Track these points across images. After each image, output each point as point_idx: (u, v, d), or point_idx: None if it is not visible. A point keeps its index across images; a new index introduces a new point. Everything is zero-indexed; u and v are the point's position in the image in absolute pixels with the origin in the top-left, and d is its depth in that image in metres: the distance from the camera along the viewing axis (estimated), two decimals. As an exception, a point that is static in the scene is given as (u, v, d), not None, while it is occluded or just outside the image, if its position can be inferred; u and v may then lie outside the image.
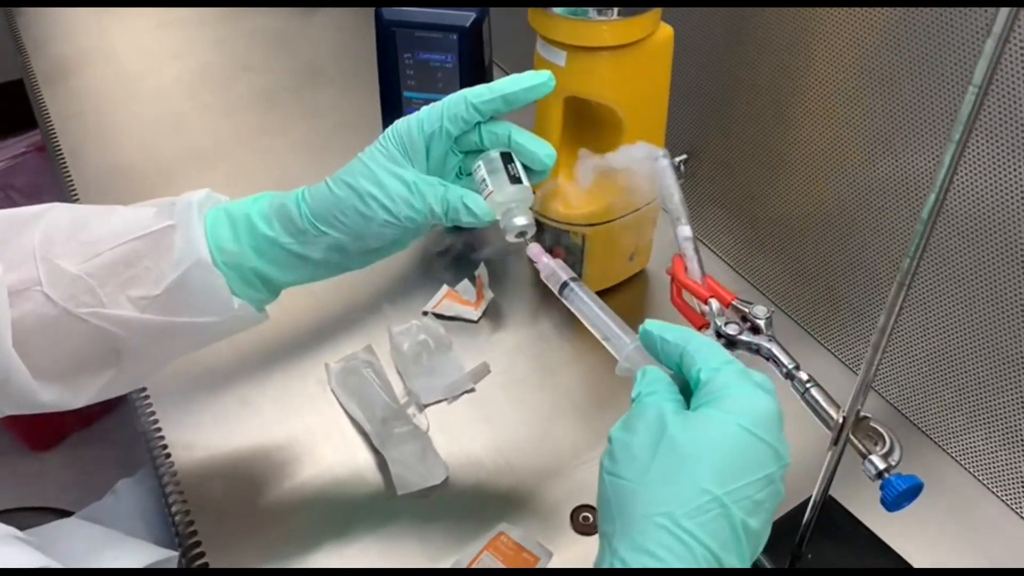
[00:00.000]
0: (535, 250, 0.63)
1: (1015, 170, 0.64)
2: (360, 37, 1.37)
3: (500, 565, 0.67)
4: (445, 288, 0.90)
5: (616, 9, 0.72)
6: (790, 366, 0.61)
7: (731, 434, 0.46)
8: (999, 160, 0.65)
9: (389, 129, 0.62)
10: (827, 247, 0.83)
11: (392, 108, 0.92)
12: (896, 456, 0.56)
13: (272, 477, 0.74)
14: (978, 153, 0.66)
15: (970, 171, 0.67)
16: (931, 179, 0.70)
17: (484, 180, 0.62)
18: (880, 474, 0.55)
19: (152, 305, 0.59)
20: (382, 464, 0.74)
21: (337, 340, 0.85)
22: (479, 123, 0.62)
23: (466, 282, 0.91)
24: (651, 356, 0.53)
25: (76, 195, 1.05)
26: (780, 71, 0.81)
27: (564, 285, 0.60)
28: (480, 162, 0.62)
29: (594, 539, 0.70)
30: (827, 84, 0.76)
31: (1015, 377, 0.69)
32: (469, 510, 0.72)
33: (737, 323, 0.64)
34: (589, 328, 0.59)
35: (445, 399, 0.80)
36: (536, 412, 0.80)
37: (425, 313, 0.88)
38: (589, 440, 0.77)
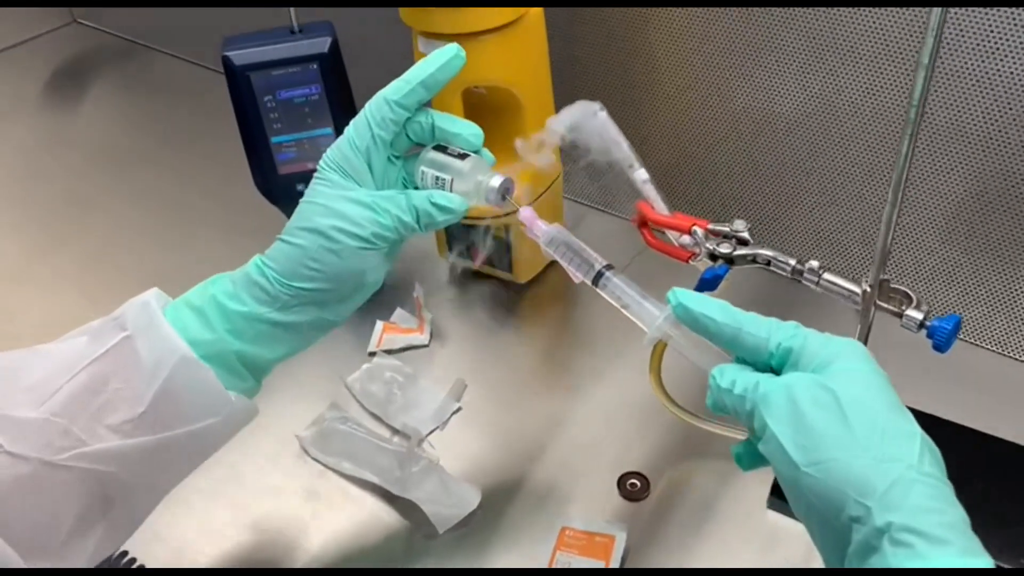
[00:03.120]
0: (527, 214, 0.60)
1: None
2: (135, 109, 1.28)
3: (579, 558, 0.64)
4: (380, 324, 0.84)
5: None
6: (793, 262, 0.63)
7: (880, 380, 0.46)
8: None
9: (322, 161, 0.57)
10: (713, 162, 0.89)
11: (260, 157, 0.85)
12: (925, 306, 0.60)
13: (291, 561, 0.66)
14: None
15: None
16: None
17: (438, 178, 0.58)
18: (922, 324, 0.59)
19: (139, 427, 0.51)
20: (404, 509, 0.69)
21: (294, 409, 0.77)
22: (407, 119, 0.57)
23: (399, 311, 0.86)
24: (682, 326, 0.52)
25: None
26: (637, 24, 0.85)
27: (599, 275, 0.57)
28: (422, 167, 0.59)
29: (646, 504, 0.68)
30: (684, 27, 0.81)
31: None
32: (518, 521, 0.68)
33: (726, 242, 0.66)
34: (611, 300, 0.57)
35: (437, 426, 0.75)
36: (529, 405, 0.78)
37: (373, 353, 0.82)
38: (589, 409, 0.76)
